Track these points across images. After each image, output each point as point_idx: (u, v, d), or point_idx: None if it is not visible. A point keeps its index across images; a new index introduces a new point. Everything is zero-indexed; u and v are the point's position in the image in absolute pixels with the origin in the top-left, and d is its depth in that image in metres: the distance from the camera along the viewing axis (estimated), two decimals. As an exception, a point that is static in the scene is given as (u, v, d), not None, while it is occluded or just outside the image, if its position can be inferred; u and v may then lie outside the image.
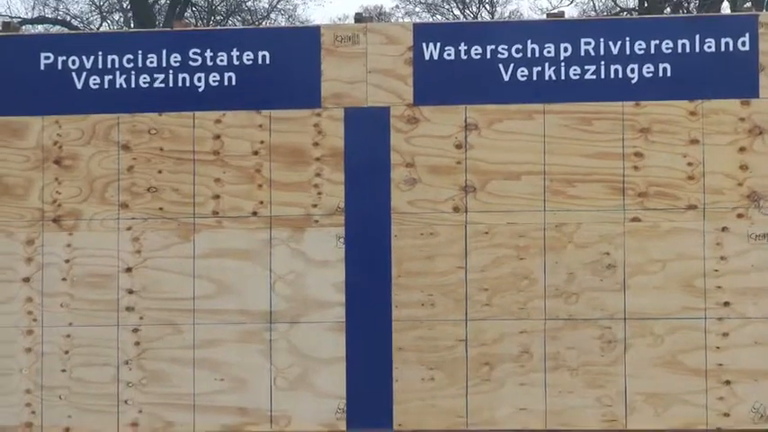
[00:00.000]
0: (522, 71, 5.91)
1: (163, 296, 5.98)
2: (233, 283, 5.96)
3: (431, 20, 27.48)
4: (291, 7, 27.75)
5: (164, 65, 6.08)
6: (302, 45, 6.05)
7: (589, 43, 5.89)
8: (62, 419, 5.99)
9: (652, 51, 5.86)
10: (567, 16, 6.67)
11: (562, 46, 5.90)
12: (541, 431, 5.77)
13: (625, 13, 25.98)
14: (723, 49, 5.83)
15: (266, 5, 27.32)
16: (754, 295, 5.72)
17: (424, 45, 5.97)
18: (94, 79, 6.09)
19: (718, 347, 5.70)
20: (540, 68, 5.90)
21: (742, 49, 5.81)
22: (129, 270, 6.00)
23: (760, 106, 5.75)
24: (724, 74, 5.81)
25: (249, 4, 26.86)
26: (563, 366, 5.78)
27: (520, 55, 5.92)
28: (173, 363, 5.96)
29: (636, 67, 5.86)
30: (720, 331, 5.71)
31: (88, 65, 6.10)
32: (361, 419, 5.85)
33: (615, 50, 5.88)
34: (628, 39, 5.88)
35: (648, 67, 5.85)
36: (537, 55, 5.91)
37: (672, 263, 5.75)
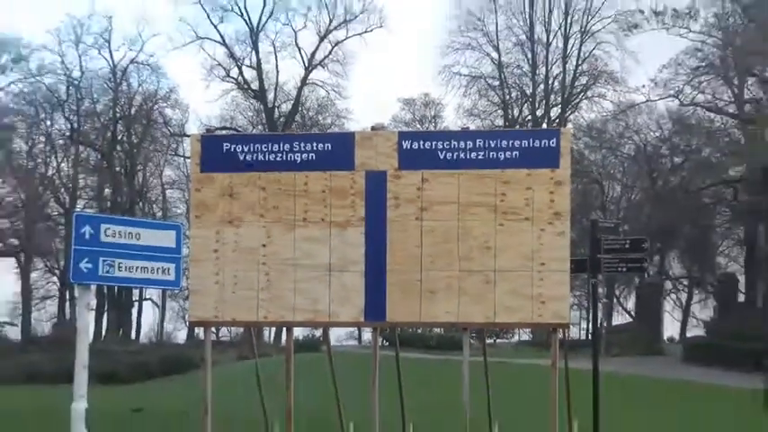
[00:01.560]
0: (450, 154, 12.37)
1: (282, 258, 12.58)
2: (306, 253, 12.56)
3: (407, 129, 60.66)
4: (342, 122, 67.93)
5: (281, 149, 12.66)
6: (345, 141, 12.57)
7: (480, 141, 12.34)
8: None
9: (510, 145, 12.32)
10: (471, 128, 13.13)
11: (468, 142, 12.37)
12: (482, 324, 12.29)
13: (498, 127, 54.61)
14: (543, 145, 12.23)
15: (329, 122, 68.35)
16: None
17: (403, 141, 12.46)
18: (249, 156, 12.68)
19: None
20: (458, 153, 12.36)
21: (552, 145, 12.24)
22: (264, 246, 12.58)
23: (559, 172, 12.14)
24: (543, 156, 12.18)
25: (321, 122, 67.65)
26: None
27: (448, 146, 12.42)
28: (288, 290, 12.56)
29: (502, 153, 12.30)
30: None
31: (246, 149, 12.71)
32: (371, 315, 12.40)
33: (492, 144, 12.32)
34: (498, 139, 12.34)
35: (508, 153, 12.27)
36: (457, 146, 12.39)
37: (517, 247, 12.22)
